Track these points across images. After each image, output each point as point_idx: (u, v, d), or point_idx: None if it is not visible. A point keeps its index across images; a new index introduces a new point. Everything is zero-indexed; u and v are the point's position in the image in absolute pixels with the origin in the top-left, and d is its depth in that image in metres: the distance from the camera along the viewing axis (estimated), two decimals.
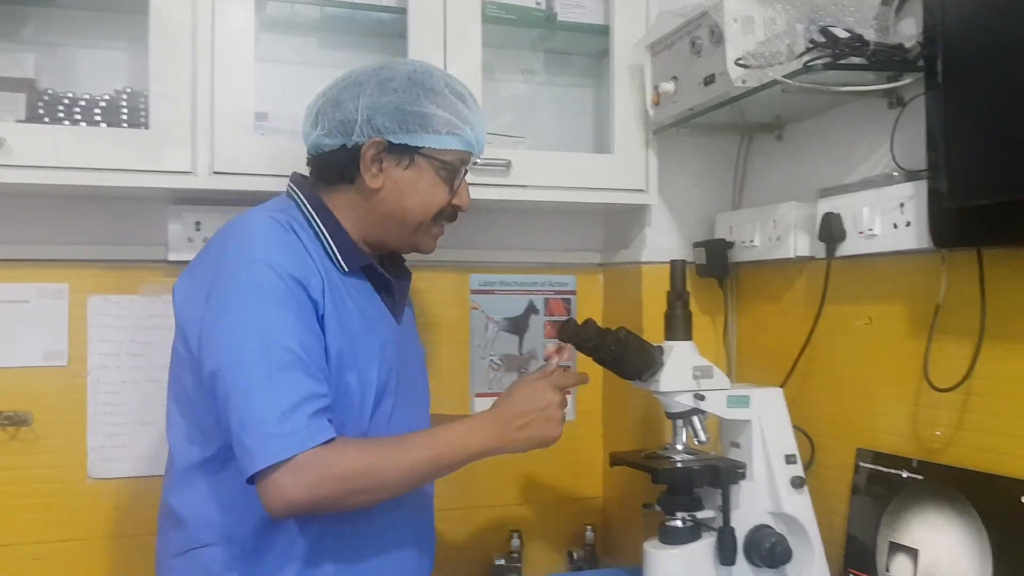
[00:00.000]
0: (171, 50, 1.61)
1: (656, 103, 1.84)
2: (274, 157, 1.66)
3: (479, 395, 2.07)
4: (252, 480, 1.21)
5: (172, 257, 1.78)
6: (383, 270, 1.44)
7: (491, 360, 2.08)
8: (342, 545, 1.36)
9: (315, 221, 1.37)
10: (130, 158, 1.59)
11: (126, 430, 1.81)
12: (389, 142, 1.36)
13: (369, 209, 1.40)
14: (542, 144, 1.99)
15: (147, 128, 1.62)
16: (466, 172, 1.45)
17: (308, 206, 1.39)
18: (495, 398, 2.03)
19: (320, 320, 1.30)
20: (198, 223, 1.78)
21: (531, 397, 1.40)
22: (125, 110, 1.68)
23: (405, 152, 1.37)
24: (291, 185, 1.44)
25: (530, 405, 1.39)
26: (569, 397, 2.08)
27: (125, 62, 1.80)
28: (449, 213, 1.46)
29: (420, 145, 1.37)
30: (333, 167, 1.39)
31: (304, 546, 1.33)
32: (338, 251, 1.37)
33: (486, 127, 1.46)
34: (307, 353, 1.25)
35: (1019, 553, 1.29)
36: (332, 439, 1.22)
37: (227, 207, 1.78)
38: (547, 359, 2.12)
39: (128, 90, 1.69)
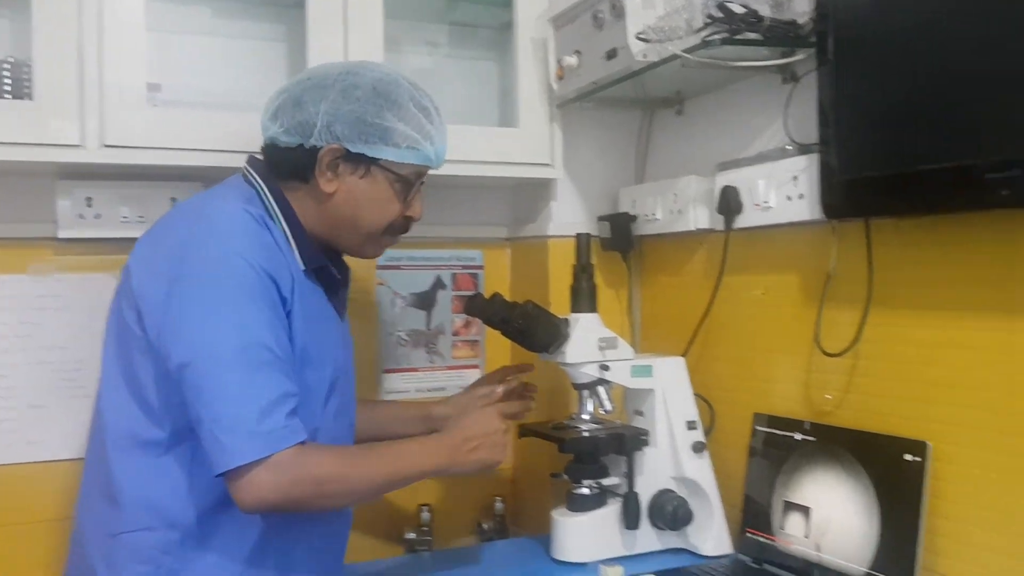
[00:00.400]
0: (56, 17, 1.53)
1: (560, 77, 1.85)
2: (168, 130, 1.61)
3: (387, 371, 2.06)
4: (222, 474, 1.21)
5: (62, 234, 1.71)
6: (335, 270, 1.45)
7: (399, 336, 2.07)
8: (285, 545, 1.36)
9: (277, 216, 1.37)
10: (14, 131, 1.51)
11: (17, 415, 1.74)
12: (347, 150, 1.36)
13: (322, 211, 1.40)
14: (447, 118, 1.95)
15: (31, 99, 1.54)
16: (422, 184, 1.45)
17: (271, 199, 1.37)
18: (404, 375, 2.06)
19: (287, 316, 1.31)
20: (89, 199, 1.71)
21: (480, 423, 1.47)
22: (8, 80, 1.60)
23: (362, 162, 1.37)
24: (250, 171, 1.40)
25: (479, 430, 1.45)
26: (477, 372, 2.11)
27: (7, 30, 1.71)
28: (401, 224, 1.46)
29: (378, 157, 1.37)
30: (289, 164, 1.38)
31: (249, 543, 1.33)
32: (298, 249, 1.37)
33: (447, 140, 1.46)
34: (282, 351, 1.27)
35: (903, 506, 1.36)
36: (304, 441, 1.24)
37: (120, 182, 1.72)
38: (456, 333, 2.13)
39: (11, 59, 1.61)
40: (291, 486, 1.23)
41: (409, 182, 1.42)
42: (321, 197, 1.38)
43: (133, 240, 1.73)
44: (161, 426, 1.30)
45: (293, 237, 1.37)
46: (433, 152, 1.42)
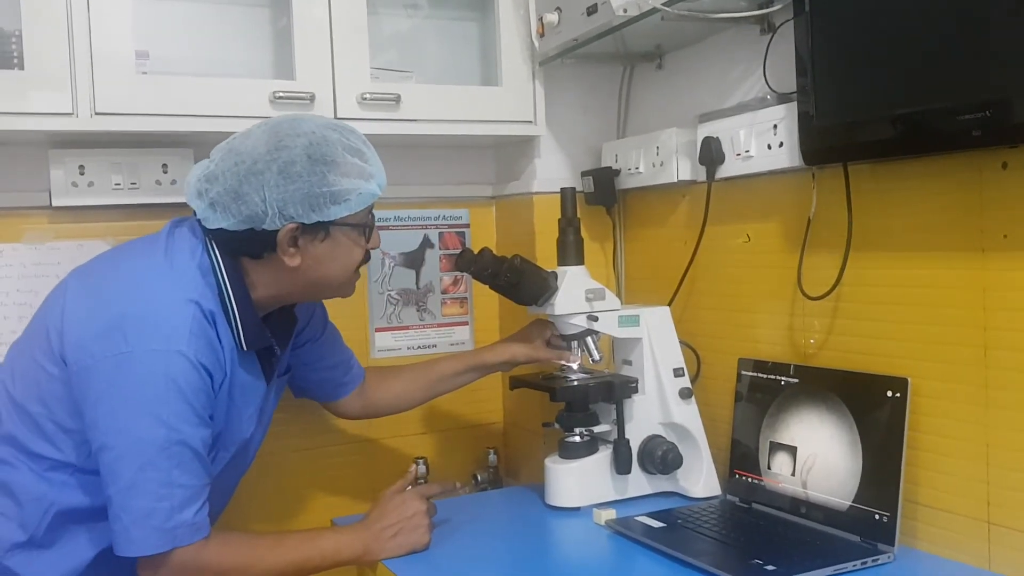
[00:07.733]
0: None
1: (541, 34, 1.87)
2: (158, 97, 1.63)
3: (378, 330, 2.09)
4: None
5: (56, 203, 1.72)
6: (277, 345, 1.49)
7: (389, 295, 2.11)
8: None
9: (230, 299, 1.38)
10: (6, 100, 1.53)
11: None
12: (303, 224, 1.37)
13: (288, 281, 1.43)
14: (430, 78, 2.00)
15: (22, 69, 1.55)
16: (374, 217, 1.48)
17: (226, 280, 1.38)
18: (395, 333, 2.09)
19: (215, 397, 1.37)
20: (82, 167, 1.73)
21: (399, 508, 1.53)
22: None
23: (319, 228, 1.39)
24: (212, 243, 1.40)
25: (398, 515, 1.52)
26: (466, 328, 2.14)
27: None
28: (365, 257, 1.50)
29: (332, 219, 1.39)
30: (241, 246, 1.40)
31: (86, 557, 1.39)
32: (243, 333, 1.39)
33: (383, 165, 1.46)
34: (203, 448, 1.34)
35: (885, 441, 1.41)
36: (208, 535, 1.33)
37: (111, 149, 1.73)
38: (445, 291, 2.16)
39: (1, 30, 1.61)
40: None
41: (364, 224, 1.45)
42: (285, 270, 1.41)
43: (126, 207, 1.79)
44: (61, 450, 1.35)
45: (241, 321, 1.39)
46: (376, 185, 1.43)
